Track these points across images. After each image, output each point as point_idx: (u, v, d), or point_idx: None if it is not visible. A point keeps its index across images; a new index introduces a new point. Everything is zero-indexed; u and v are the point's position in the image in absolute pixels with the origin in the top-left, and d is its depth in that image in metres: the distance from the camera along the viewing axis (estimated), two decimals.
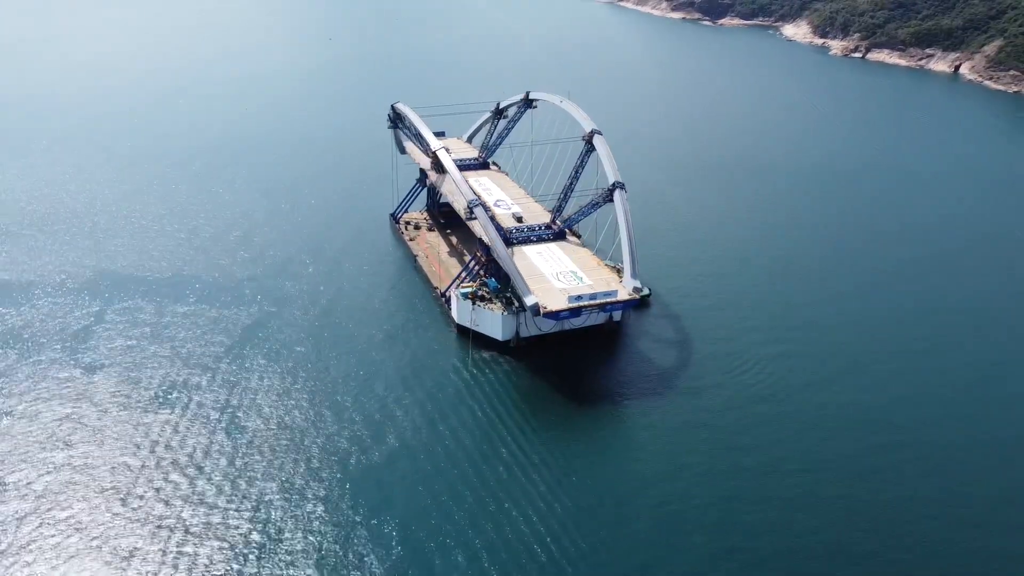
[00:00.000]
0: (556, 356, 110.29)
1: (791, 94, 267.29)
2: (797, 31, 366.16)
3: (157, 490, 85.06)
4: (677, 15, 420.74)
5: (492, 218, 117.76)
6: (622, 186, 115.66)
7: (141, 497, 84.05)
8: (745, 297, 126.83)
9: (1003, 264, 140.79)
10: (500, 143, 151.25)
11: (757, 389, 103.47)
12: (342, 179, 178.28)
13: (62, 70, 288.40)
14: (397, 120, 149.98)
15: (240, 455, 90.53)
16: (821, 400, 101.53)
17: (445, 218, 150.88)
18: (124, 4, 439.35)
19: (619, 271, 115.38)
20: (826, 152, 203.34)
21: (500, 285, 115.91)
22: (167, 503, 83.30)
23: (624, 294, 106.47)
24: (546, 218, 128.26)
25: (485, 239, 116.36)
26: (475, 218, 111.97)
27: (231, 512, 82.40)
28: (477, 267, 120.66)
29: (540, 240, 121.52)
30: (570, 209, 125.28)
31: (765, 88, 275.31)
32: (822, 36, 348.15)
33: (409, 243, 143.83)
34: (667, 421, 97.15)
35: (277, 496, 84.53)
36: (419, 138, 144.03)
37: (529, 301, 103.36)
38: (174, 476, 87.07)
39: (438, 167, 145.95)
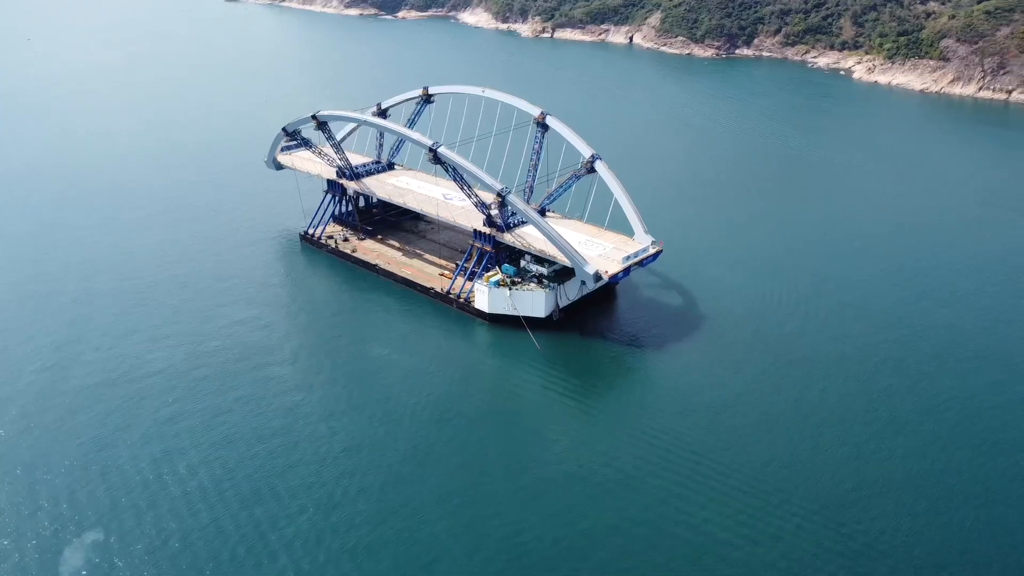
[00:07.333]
0: (590, 318, 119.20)
1: (517, 67, 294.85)
2: (478, 18, 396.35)
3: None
4: (353, 11, 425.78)
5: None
6: (599, 157, 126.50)
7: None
8: None
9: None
10: (402, 143, 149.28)
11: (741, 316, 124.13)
12: (209, 211, 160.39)
13: None
14: (299, 133, 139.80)
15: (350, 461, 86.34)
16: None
17: (373, 224, 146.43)
18: None
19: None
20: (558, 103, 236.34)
21: (515, 268, 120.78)
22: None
23: (652, 249, 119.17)
24: None
25: (482, 228, 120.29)
26: (506, 205, 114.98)
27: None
28: (482, 257, 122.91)
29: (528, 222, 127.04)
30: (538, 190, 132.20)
31: (493, 65, 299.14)
32: (504, 21, 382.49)
33: (353, 254, 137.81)
34: (700, 357, 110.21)
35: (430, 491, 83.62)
36: (336, 147, 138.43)
37: (589, 270, 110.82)
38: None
39: (351, 174, 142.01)
